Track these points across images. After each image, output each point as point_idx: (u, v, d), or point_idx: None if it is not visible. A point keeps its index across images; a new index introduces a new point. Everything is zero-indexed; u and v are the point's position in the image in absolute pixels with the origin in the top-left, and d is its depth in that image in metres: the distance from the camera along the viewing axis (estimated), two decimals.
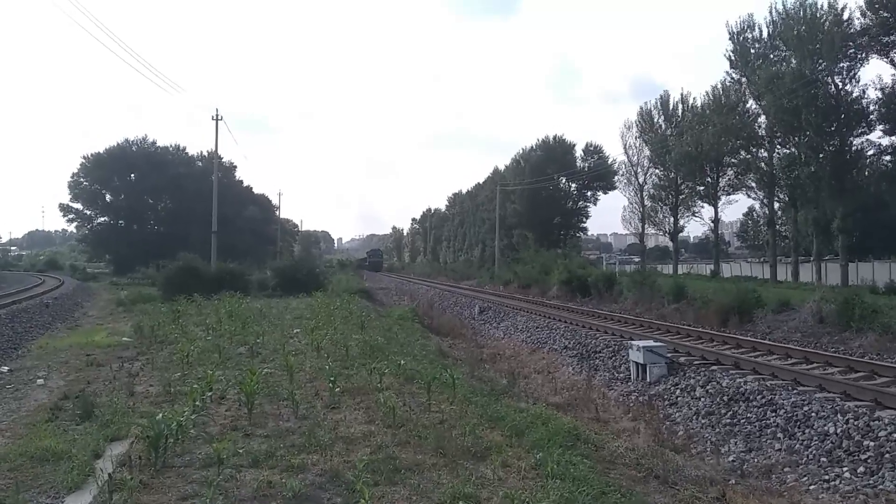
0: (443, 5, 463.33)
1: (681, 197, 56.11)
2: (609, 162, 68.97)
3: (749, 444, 10.05)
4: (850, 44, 36.56)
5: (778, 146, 44.23)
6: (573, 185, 74.86)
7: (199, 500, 5.20)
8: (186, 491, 5.77)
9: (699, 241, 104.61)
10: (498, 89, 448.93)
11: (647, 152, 59.83)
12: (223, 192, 54.82)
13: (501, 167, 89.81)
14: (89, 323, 22.96)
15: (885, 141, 38.26)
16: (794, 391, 11.13)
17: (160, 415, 6.96)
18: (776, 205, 47.42)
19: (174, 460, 6.59)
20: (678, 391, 13.02)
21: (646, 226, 61.17)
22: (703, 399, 12.20)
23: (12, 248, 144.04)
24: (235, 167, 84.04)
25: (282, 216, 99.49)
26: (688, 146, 49.47)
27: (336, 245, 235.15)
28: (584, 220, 76.64)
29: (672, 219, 57.36)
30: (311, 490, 5.83)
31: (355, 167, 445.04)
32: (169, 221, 73.98)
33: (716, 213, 53.76)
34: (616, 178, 66.77)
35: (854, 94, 37.77)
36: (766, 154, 45.65)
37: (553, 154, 73.29)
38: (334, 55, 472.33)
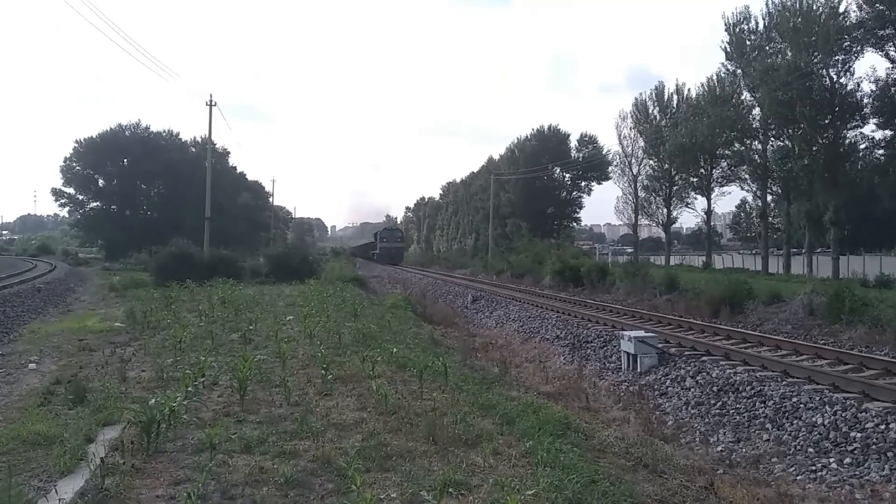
0: None
1: (674, 188, 56.27)
2: (603, 152, 69.20)
3: (738, 435, 10.15)
4: (846, 37, 36.59)
5: (772, 138, 44.38)
6: (567, 176, 75.10)
7: (191, 485, 5.21)
8: (178, 476, 5.79)
9: (692, 233, 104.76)
10: (494, 79, 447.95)
11: (641, 143, 59.94)
12: (217, 178, 54.56)
13: (496, 156, 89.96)
14: (81, 308, 22.86)
15: (879, 134, 38.46)
16: (784, 382, 11.23)
17: (153, 400, 6.95)
18: (769, 197, 47.69)
19: (166, 445, 6.60)
20: (668, 381, 13.11)
21: (639, 217, 61.39)
22: (692, 389, 12.29)
23: (4, 232, 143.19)
24: (229, 153, 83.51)
25: (275, 203, 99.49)
26: (682, 137, 49.50)
27: (329, 233, 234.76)
28: (578, 210, 77.14)
29: (665, 210, 57.51)
30: (302, 476, 5.85)
31: (350, 155, 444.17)
32: (162, 207, 73.52)
33: (709, 204, 54.14)
34: (610, 168, 67.00)
35: (848, 88, 37.92)
36: (759, 146, 45.80)
37: (548, 144, 73.43)
38: (329, 43, 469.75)
